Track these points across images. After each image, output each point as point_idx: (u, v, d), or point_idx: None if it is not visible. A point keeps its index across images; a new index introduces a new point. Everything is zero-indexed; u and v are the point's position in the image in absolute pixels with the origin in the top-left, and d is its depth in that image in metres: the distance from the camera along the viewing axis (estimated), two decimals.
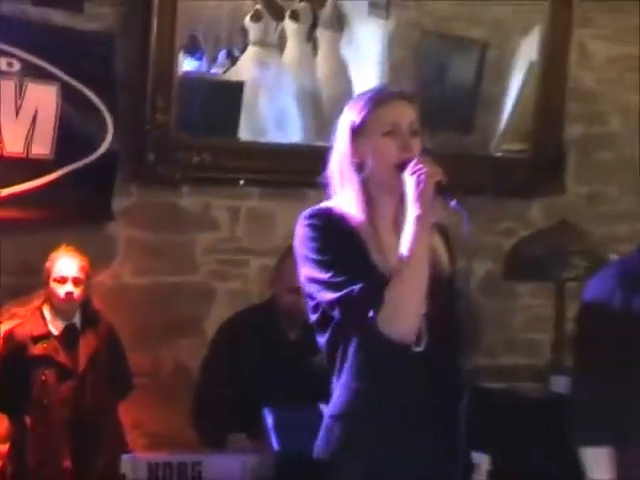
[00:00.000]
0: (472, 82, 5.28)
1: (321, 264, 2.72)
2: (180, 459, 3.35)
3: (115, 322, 4.17)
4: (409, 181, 2.67)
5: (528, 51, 5.26)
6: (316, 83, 5.03)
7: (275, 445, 3.32)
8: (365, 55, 5.16)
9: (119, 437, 4.09)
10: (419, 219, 2.66)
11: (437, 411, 2.78)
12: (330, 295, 2.69)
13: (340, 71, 5.11)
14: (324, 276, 2.70)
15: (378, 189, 2.80)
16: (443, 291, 2.80)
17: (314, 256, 2.73)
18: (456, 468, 2.74)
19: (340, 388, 2.78)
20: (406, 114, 2.78)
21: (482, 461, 3.51)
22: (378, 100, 2.80)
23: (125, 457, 3.38)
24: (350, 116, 2.79)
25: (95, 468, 4.01)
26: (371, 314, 2.64)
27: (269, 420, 3.39)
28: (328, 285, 2.70)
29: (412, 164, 2.67)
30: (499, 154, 5.31)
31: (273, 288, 4.03)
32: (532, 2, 5.20)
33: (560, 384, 3.92)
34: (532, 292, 5.18)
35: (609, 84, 5.42)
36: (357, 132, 2.77)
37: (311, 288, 2.75)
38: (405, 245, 2.68)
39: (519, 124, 5.29)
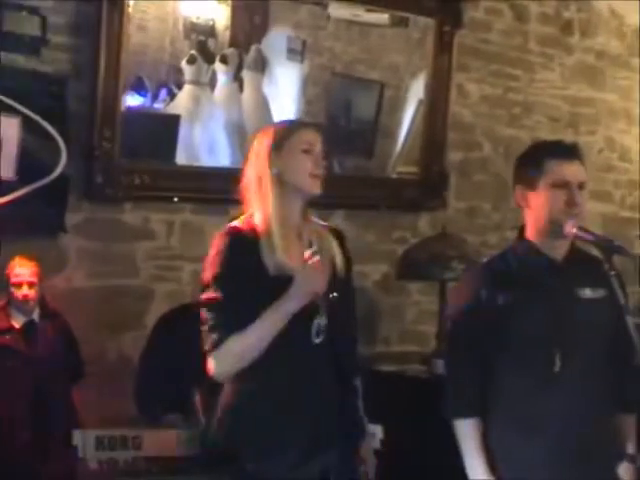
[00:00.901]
0: (373, 115, 5.31)
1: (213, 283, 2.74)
2: (123, 433, 3.35)
3: (69, 319, 4.15)
4: (300, 276, 2.69)
5: (417, 90, 5.32)
6: (242, 116, 5.02)
7: (202, 421, 3.30)
8: (284, 92, 5.16)
9: (72, 415, 4.06)
10: (289, 313, 2.69)
11: (328, 397, 2.78)
12: (206, 312, 2.75)
13: (262, 106, 5.10)
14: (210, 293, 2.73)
15: (290, 196, 2.81)
16: (338, 288, 2.82)
17: (213, 272, 2.73)
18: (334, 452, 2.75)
19: (228, 385, 2.80)
20: (318, 140, 2.83)
21: (377, 431, 3.53)
22: (297, 126, 2.88)
23: (76, 432, 3.37)
24: (271, 136, 2.82)
25: (52, 441, 3.99)
26: (209, 347, 2.70)
27: (197, 401, 3.38)
28: (208, 303, 2.74)
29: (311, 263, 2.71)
30: (394, 175, 5.35)
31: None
32: (420, 50, 5.23)
33: (440, 367, 3.93)
34: (421, 290, 5.21)
35: (482, 118, 5.50)
36: (278, 149, 2.79)
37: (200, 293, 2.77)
38: (265, 323, 2.69)
39: (410, 151, 5.33)
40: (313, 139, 2.82)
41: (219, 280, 2.73)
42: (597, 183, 5.80)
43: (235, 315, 2.71)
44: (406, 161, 5.35)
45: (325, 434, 2.76)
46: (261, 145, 2.82)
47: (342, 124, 5.20)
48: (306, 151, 2.79)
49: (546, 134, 5.49)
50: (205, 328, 2.75)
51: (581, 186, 2.93)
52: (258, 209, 2.79)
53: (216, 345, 2.71)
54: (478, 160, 5.49)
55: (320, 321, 2.76)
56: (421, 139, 5.24)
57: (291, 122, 2.99)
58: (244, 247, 2.75)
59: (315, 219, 2.91)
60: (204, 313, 2.75)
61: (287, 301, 2.68)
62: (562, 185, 2.91)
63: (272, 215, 2.76)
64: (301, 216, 2.83)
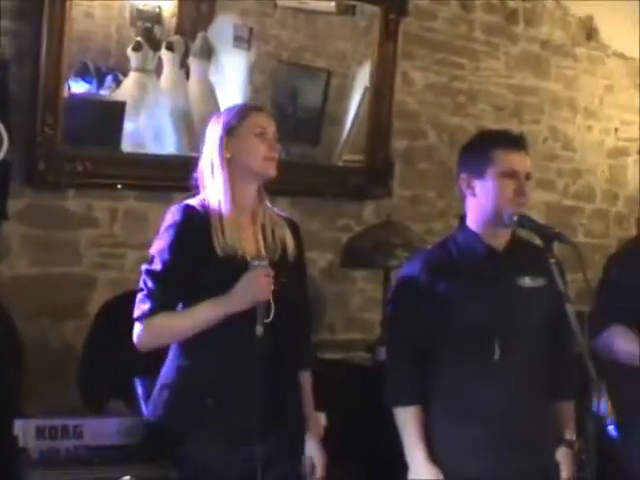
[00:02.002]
0: (319, 103, 5.29)
1: (155, 258, 2.79)
2: (63, 422, 3.29)
3: (11, 306, 4.07)
4: (248, 276, 2.73)
5: (363, 78, 5.30)
6: (188, 104, 4.98)
7: (144, 410, 3.28)
8: (230, 80, 5.13)
9: (13, 404, 4.00)
10: (227, 312, 2.74)
11: (267, 386, 2.78)
12: (142, 283, 2.80)
13: (208, 94, 5.06)
14: (150, 267, 2.73)
15: (244, 180, 2.82)
16: (289, 274, 2.84)
17: (158, 246, 2.75)
18: (285, 432, 2.75)
19: (169, 362, 2.80)
20: (270, 123, 2.86)
21: (320, 419, 3.52)
22: (248, 110, 2.91)
23: (17, 421, 3.31)
24: (224, 121, 2.83)
25: None
26: (137, 315, 2.75)
27: (139, 389, 3.35)
28: (147, 274, 2.81)
29: (257, 270, 2.72)
30: (340, 163, 5.32)
31: None
32: (366, 38, 5.22)
33: (384, 354, 3.92)
34: (366, 278, 5.20)
35: (427, 106, 5.49)
36: (230, 133, 2.80)
37: (144, 265, 2.78)
38: (203, 313, 2.74)
39: (356, 139, 5.31)
40: (266, 123, 2.87)
41: (163, 253, 2.76)
42: (541, 172, 5.83)
43: (172, 290, 2.74)
44: (352, 149, 5.34)
45: (261, 422, 2.76)
46: (214, 130, 2.87)
47: (289, 112, 5.19)
48: (259, 135, 2.83)
49: (491, 123, 5.52)
50: (139, 296, 2.76)
51: (528, 176, 2.96)
52: (211, 193, 2.82)
53: (145, 315, 2.74)
54: (423, 148, 5.48)
55: (270, 302, 2.77)
56: (366, 127, 5.23)
57: (243, 106, 3.01)
58: (195, 225, 2.78)
59: (271, 207, 2.95)
60: (142, 282, 2.76)
61: (227, 301, 2.71)
62: (511, 175, 2.93)
63: (224, 198, 2.80)
64: (256, 200, 2.87)
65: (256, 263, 2.72)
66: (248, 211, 2.88)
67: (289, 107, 5.20)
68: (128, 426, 3.30)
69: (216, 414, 2.77)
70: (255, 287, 2.70)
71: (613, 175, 6.25)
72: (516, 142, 3.00)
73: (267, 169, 2.84)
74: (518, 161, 2.95)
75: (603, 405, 2.55)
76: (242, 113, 2.88)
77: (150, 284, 2.76)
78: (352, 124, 5.34)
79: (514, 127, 5.47)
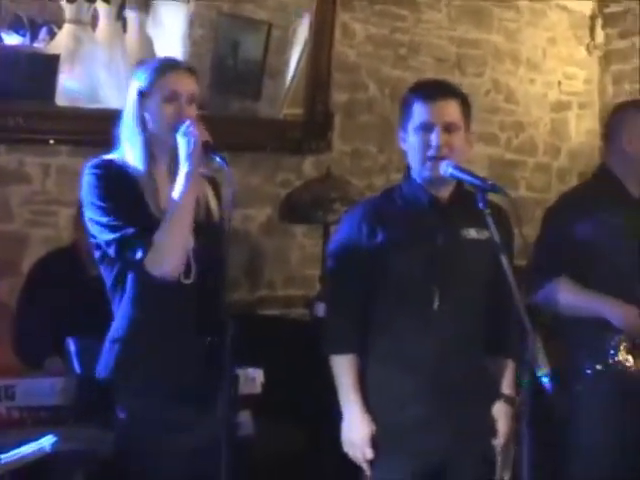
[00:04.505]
0: (260, 56, 5.22)
1: (102, 209, 2.69)
2: None
3: None
4: (181, 141, 2.67)
5: (304, 31, 5.24)
6: (125, 57, 4.90)
7: (77, 370, 3.25)
8: (169, 33, 5.05)
9: None
10: (188, 174, 2.68)
11: (206, 334, 2.78)
12: (107, 236, 2.66)
13: (146, 47, 4.98)
14: (104, 219, 2.67)
15: (157, 144, 2.79)
16: (211, 232, 2.82)
17: (96, 201, 2.71)
18: (223, 384, 2.73)
19: (119, 316, 2.77)
20: (186, 84, 2.79)
21: (257, 375, 3.52)
22: (164, 69, 2.80)
23: None
24: (138, 81, 2.78)
25: None
26: (140, 255, 2.63)
27: (71, 347, 3.32)
28: (107, 227, 2.67)
29: (184, 127, 2.67)
30: (280, 117, 5.28)
31: (76, 231, 3.97)
32: None
33: (322, 310, 3.94)
34: (305, 234, 5.18)
35: (367, 58, 5.46)
36: (144, 95, 2.75)
37: (93, 229, 2.72)
38: (174, 196, 2.68)
39: (296, 92, 5.28)
40: (179, 83, 2.76)
41: (103, 198, 2.68)
42: (483, 125, 5.83)
43: (134, 216, 2.67)
44: (291, 102, 5.31)
45: (193, 382, 2.75)
46: (131, 89, 2.79)
47: (229, 65, 5.13)
48: (169, 99, 2.74)
49: (432, 75, 5.45)
50: (113, 249, 2.67)
51: (450, 126, 2.93)
52: (130, 153, 2.77)
53: (143, 250, 2.63)
54: (363, 101, 5.45)
55: (191, 261, 2.74)
56: (305, 80, 5.20)
57: (157, 65, 2.85)
58: (122, 179, 2.72)
59: None
60: (102, 236, 2.68)
61: (182, 167, 2.66)
62: (426, 127, 2.92)
63: (142, 161, 2.75)
64: (171, 164, 2.80)
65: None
66: (165, 172, 2.83)
67: (230, 60, 5.15)
68: (62, 387, 3.26)
69: (166, 369, 2.75)
70: (194, 132, 2.67)
71: (556, 129, 6.27)
72: (432, 92, 2.97)
73: (169, 135, 2.73)
74: (434, 112, 2.92)
75: (538, 357, 2.55)
76: (154, 74, 2.77)
77: (114, 227, 2.66)
78: (292, 77, 5.29)
79: (456, 80, 5.47)
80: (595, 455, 3.41)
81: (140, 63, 2.96)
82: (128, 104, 2.80)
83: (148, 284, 2.71)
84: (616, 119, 3.64)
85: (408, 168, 3.06)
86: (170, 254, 2.67)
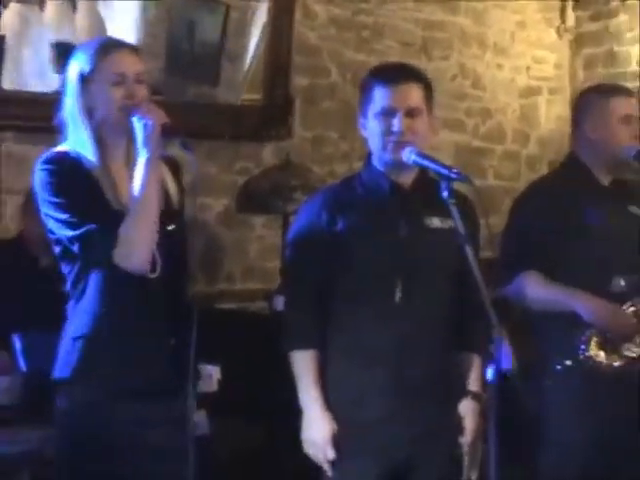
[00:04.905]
0: (218, 39, 5.21)
1: (58, 205, 2.65)
2: None
3: None
4: (137, 126, 2.63)
5: (262, 12, 5.23)
6: (75, 39, 4.86)
7: (23, 367, 3.24)
8: (122, 14, 5.02)
9: None
10: (148, 161, 2.64)
11: (170, 331, 2.76)
12: (69, 233, 2.63)
13: (97, 28, 4.95)
14: (62, 216, 2.64)
15: (109, 133, 2.74)
16: (172, 220, 2.79)
17: (52, 198, 2.66)
18: (186, 381, 2.72)
19: (81, 312, 2.73)
20: (132, 63, 2.73)
21: (214, 372, 3.52)
22: (105, 50, 2.73)
23: None
24: (79, 65, 2.71)
25: None
26: (107, 251, 2.61)
27: (17, 344, 3.31)
28: (66, 224, 2.64)
29: (140, 110, 2.64)
30: (238, 103, 5.26)
31: (24, 221, 3.97)
32: None
33: (281, 303, 3.93)
34: (265, 224, 5.19)
35: (329, 41, 5.47)
36: (86, 80, 2.69)
37: (52, 226, 2.68)
38: (136, 185, 2.65)
39: (255, 76, 5.27)
40: (124, 64, 2.70)
41: (58, 194, 2.64)
42: (449, 111, 5.86)
43: (93, 211, 2.64)
44: (250, 87, 5.30)
45: (159, 379, 2.74)
46: (71, 73, 2.72)
47: (185, 48, 5.10)
48: (116, 82, 2.69)
49: (397, 59, 5.45)
50: (77, 246, 2.63)
51: (413, 111, 2.93)
52: (77, 144, 2.72)
53: (109, 246, 2.60)
54: (325, 86, 5.46)
55: (155, 254, 2.72)
56: (264, 64, 5.19)
57: (98, 46, 2.75)
58: (76, 172, 2.69)
59: None
60: (63, 232, 2.64)
61: (140, 154, 2.63)
62: (387, 112, 2.92)
63: (92, 151, 2.70)
64: (128, 151, 2.76)
65: None
66: (121, 161, 2.78)
67: (185, 42, 5.12)
68: (7, 385, 3.25)
69: (131, 366, 2.73)
70: (152, 115, 2.63)
71: (524, 115, 6.30)
72: (393, 75, 2.96)
73: (123, 120, 2.67)
74: (396, 96, 2.91)
75: (505, 353, 2.56)
76: (96, 56, 2.68)
77: (73, 222, 2.62)
78: (251, 61, 5.28)
79: (421, 64, 5.48)
80: (565, 452, 3.42)
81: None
82: (69, 90, 2.71)
83: (113, 280, 2.68)
84: (580, 105, 3.65)
85: (369, 155, 3.06)
86: (139, 247, 2.63)
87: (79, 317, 2.74)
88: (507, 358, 2.56)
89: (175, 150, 2.78)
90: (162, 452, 2.74)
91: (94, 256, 2.64)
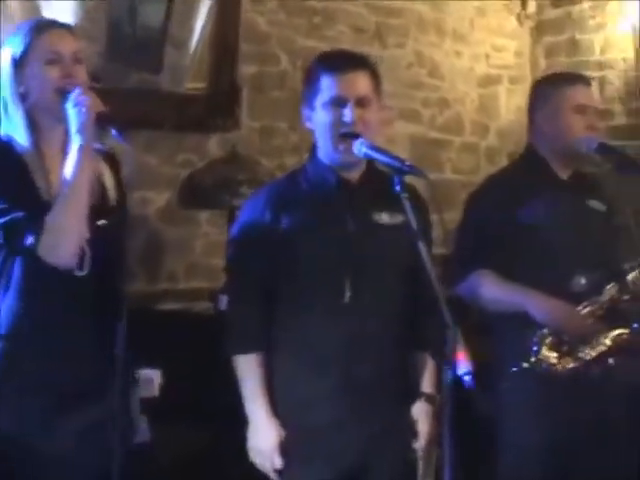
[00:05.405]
0: (161, 23, 5.19)
1: None
2: None
3: None
4: (72, 112, 2.63)
5: None
6: (7, 24, 4.82)
7: None
8: None
9: None
10: (81, 149, 2.64)
11: (99, 330, 2.76)
12: None
13: (32, 11, 4.88)
14: None
15: (44, 117, 2.74)
16: (108, 216, 2.79)
17: None
18: (116, 380, 2.72)
19: (5, 309, 2.73)
20: (68, 42, 2.74)
21: (155, 376, 3.53)
22: (38, 30, 2.74)
23: None
24: (12, 48, 2.72)
25: None
26: (31, 240, 2.59)
27: None
28: None
29: (75, 95, 2.64)
30: (182, 91, 5.25)
31: None
32: None
33: (225, 303, 3.95)
34: (209, 220, 5.18)
35: (279, 27, 5.47)
36: (19, 62, 2.70)
37: None
38: (67, 173, 2.65)
39: (200, 64, 5.26)
40: (60, 43, 2.71)
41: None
42: (405, 101, 5.89)
43: (22, 199, 2.63)
44: (195, 75, 5.28)
45: (87, 383, 2.74)
46: (4, 55, 2.73)
47: (126, 32, 5.07)
48: (51, 61, 2.69)
49: (349, 46, 5.44)
50: (0, 234, 2.64)
51: (364, 100, 2.95)
52: (11, 131, 2.73)
53: (34, 234, 2.60)
54: (274, 74, 5.46)
55: (85, 251, 2.72)
56: (210, 50, 5.19)
57: (33, 25, 2.78)
58: (6, 157, 2.69)
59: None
60: None
61: (74, 141, 2.64)
62: (337, 102, 2.94)
63: (27, 139, 2.70)
64: (65, 136, 2.76)
65: None
66: (57, 146, 2.79)
67: (127, 26, 5.09)
68: None
69: (55, 369, 2.73)
70: (83, 104, 2.64)
71: (484, 105, 6.34)
72: (342, 63, 2.98)
73: (57, 104, 2.68)
74: (345, 85, 2.94)
75: (460, 354, 2.58)
76: (29, 36, 2.70)
77: (2, 205, 2.61)
78: (196, 48, 5.27)
79: (375, 51, 5.52)
80: (522, 454, 3.46)
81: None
82: (2, 75, 2.73)
83: (37, 275, 2.68)
84: (534, 96, 3.68)
85: (314, 147, 3.08)
86: (65, 238, 2.63)
87: (3, 314, 2.74)
88: (462, 359, 2.57)
89: (111, 141, 2.78)
90: (64, 464, 2.75)
91: (17, 245, 2.64)
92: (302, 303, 2.97)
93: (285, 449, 2.96)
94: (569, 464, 3.47)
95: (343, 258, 2.95)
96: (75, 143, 2.65)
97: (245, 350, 2.99)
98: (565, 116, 3.53)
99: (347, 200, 3.00)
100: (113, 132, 2.68)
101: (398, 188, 2.71)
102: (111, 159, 2.90)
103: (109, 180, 2.86)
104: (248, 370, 2.98)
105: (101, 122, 2.66)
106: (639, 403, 3.51)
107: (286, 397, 2.98)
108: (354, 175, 3.03)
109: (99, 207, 2.76)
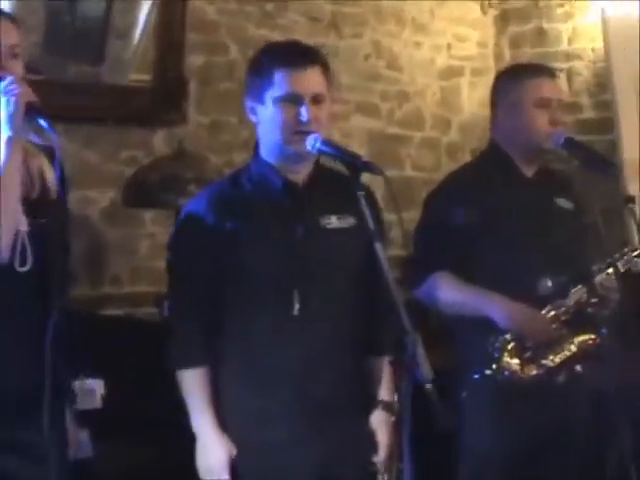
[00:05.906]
0: (102, 12, 5.18)
1: None
2: None
3: None
4: (1, 101, 2.65)
5: None
6: None
7: None
8: None
9: None
10: (10, 140, 2.66)
11: (41, 329, 2.75)
12: None
13: None
14: None
15: None
16: (49, 211, 2.79)
17: None
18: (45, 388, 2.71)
19: None
20: (5, 33, 2.76)
21: (97, 387, 3.53)
22: None
23: None
24: None
25: None
26: None
27: None
28: None
29: (4, 84, 2.65)
30: (126, 83, 5.25)
31: None
32: None
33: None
34: (155, 220, 5.17)
35: (228, 15, 5.47)
36: None
37: None
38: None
39: (144, 55, 5.26)
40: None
41: None
42: (362, 94, 5.92)
43: None
44: (139, 67, 5.28)
45: (28, 389, 2.73)
46: None
47: (66, 22, 5.06)
48: None
49: (304, 36, 5.47)
50: None
51: (319, 97, 2.96)
52: None
53: None
54: (224, 65, 5.46)
55: (26, 246, 2.72)
56: (155, 40, 5.19)
57: None
58: None
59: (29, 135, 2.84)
60: None
61: (2, 132, 2.64)
62: (292, 99, 2.94)
63: None
64: None
65: None
66: None
67: (66, 16, 5.08)
68: None
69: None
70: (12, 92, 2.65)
71: (445, 99, 6.39)
72: (298, 59, 2.97)
73: None
74: (301, 82, 2.94)
75: (419, 361, 2.59)
76: None
77: None
78: (140, 38, 5.26)
79: (331, 42, 5.55)
80: (482, 463, 3.49)
81: None
82: None
83: None
84: (495, 89, 3.70)
85: (257, 145, 3.08)
86: None
87: None
88: (422, 366, 2.58)
89: (45, 135, 2.79)
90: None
91: None
92: (249, 312, 2.96)
93: (235, 466, 2.95)
94: (529, 471, 3.49)
95: (290, 267, 2.94)
96: (4, 134, 2.66)
97: (190, 364, 2.98)
98: (527, 111, 3.55)
99: (293, 204, 3.00)
100: (42, 123, 2.69)
101: (354, 186, 2.71)
102: (51, 154, 2.90)
103: (49, 174, 2.86)
104: (194, 385, 2.96)
105: (30, 113, 2.67)
106: (604, 410, 3.54)
107: (236, 412, 2.97)
108: (300, 177, 3.02)
109: (40, 202, 2.78)
